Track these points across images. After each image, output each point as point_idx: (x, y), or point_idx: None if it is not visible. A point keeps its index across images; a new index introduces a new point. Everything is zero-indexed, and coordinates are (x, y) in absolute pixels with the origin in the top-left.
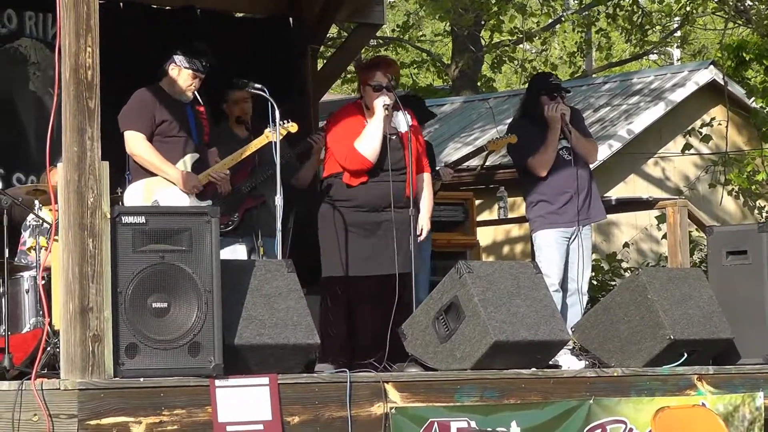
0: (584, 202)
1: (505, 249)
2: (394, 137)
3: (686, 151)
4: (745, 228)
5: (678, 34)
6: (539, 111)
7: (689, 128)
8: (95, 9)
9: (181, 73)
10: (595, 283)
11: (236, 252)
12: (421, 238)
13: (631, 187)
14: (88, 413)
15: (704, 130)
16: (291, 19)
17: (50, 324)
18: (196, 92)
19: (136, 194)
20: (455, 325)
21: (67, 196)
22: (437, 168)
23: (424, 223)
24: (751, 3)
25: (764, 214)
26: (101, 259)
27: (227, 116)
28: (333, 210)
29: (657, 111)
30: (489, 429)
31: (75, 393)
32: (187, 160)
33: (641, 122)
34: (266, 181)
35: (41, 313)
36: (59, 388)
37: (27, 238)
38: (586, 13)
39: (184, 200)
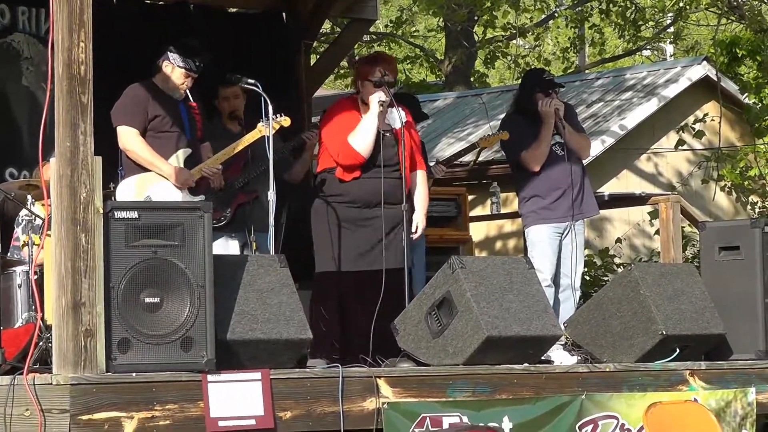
0: (577, 198)
1: (498, 244)
2: (388, 133)
3: (679, 147)
4: (737, 224)
5: (671, 29)
6: (532, 106)
7: (682, 124)
8: (88, 4)
9: (174, 71)
10: (587, 278)
11: (229, 247)
12: (416, 236)
13: (624, 182)
14: (80, 408)
15: (697, 126)
16: (284, 14)
17: (42, 319)
18: (187, 90)
19: (129, 190)
20: (448, 321)
21: (59, 191)
22: (430, 165)
23: (419, 220)
24: None
25: (757, 210)
26: (94, 254)
27: (220, 112)
28: (326, 205)
29: (650, 107)
30: (481, 424)
31: (67, 388)
32: (180, 156)
33: (634, 118)
34: (259, 177)
35: (33, 308)
36: (51, 383)
37: (20, 234)
38: (579, 8)
39: (176, 195)
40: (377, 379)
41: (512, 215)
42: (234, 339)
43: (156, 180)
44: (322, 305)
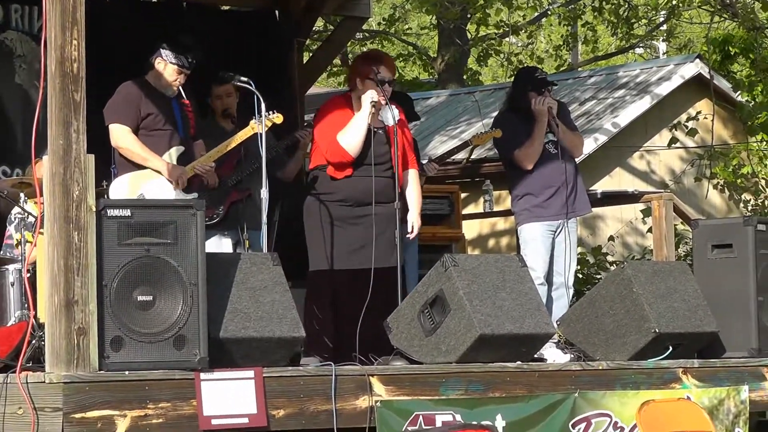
0: (570, 196)
1: (491, 242)
2: (380, 131)
3: (672, 145)
4: (730, 221)
5: (664, 27)
6: (525, 104)
7: (675, 122)
8: (81, 2)
9: (167, 68)
10: (580, 276)
11: (222, 245)
12: (412, 236)
13: (617, 180)
14: (73, 406)
15: (690, 124)
16: (277, 12)
17: (35, 317)
18: (180, 87)
19: (122, 188)
20: (440, 319)
21: (52, 189)
22: (422, 162)
23: (414, 220)
24: None
25: (749, 208)
26: (86, 252)
27: (213, 110)
28: (318, 203)
29: (643, 104)
30: (474, 422)
31: (60, 386)
32: (173, 153)
33: (627, 116)
34: (252, 175)
35: (26, 306)
36: (44, 381)
37: (13, 232)
38: (572, 6)
39: (170, 193)
40: (370, 378)
41: (505, 213)
42: (227, 337)
43: (149, 178)
44: (316, 303)
